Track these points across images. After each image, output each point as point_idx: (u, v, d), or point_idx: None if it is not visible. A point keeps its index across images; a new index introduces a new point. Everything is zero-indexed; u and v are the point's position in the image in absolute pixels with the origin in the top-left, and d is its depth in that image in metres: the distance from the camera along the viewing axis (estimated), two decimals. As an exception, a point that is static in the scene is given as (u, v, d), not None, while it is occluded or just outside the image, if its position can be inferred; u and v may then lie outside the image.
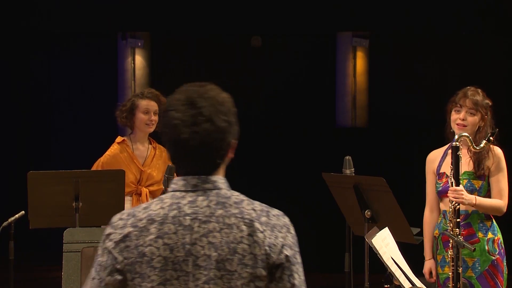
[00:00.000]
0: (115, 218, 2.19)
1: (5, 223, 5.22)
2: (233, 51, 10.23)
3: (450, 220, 4.33)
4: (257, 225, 2.13)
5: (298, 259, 2.18)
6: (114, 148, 5.43)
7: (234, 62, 10.21)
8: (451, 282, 4.26)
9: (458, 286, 4.24)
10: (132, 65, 9.95)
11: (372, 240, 3.72)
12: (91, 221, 4.95)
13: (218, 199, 2.16)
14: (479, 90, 4.59)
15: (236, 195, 2.19)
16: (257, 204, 2.19)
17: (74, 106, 10.29)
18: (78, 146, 9.79)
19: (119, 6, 9.71)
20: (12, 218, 5.25)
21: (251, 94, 10.02)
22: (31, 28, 9.91)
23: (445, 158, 4.65)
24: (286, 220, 2.20)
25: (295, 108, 10.02)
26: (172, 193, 2.18)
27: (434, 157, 4.70)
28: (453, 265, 4.26)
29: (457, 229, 4.29)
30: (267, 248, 2.12)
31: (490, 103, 4.59)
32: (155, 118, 5.30)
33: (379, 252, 3.71)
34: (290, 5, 9.76)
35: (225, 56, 10.21)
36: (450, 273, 4.27)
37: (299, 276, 2.16)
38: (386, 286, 3.86)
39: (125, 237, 2.14)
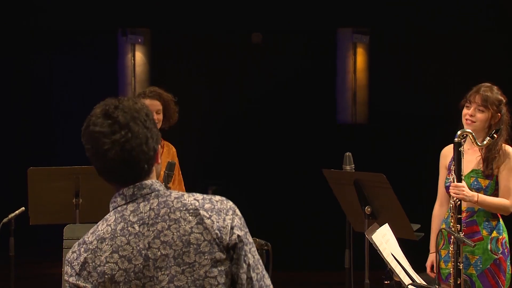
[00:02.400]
0: (68, 254, 2.20)
1: (5, 220, 5.22)
2: (233, 48, 10.22)
3: (451, 216, 4.32)
4: (202, 212, 2.15)
5: (249, 239, 2.20)
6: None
7: (234, 59, 10.20)
8: (452, 278, 4.25)
9: (458, 282, 4.22)
10: (132, 61, 9.94)
11: (372, 236, 3.72)
12: (92, 218, 4.90)
13: (158, 199, 2.17)
14: (494, 87, 4.48)
15: (175, 192, 2.21)
16: (198, 194, 2.20)
17: (75, 103, 10.28)
18: (78, 143, 9.73)
19: (119, 3, 9.70)
20: (13, 214, 5.25)
21: (251, 91, 10.02)
22: (32, 25, 9.90)
23: None
24: (230, 203, 2.21)
25: (295, 105, 10.01)
26: (113, 210, 2.20)
27: (447, 152, 4.61)
28: (453, 261, 4.25)
29: (458, 225, 4.27)
30: (217, 232, 2.13)
31: (504, 100, 4.48)
32: (158, 117, 5.28)
33: (379, 248, 3.71)
34: (290, 2, 9.75)
35: (225, 53, 10.20)
36: (451, 269, 4.26)
37: (252, 256, 2.18)
38: (386, 282, 3.87)
39: (83, 264, 2.14)
